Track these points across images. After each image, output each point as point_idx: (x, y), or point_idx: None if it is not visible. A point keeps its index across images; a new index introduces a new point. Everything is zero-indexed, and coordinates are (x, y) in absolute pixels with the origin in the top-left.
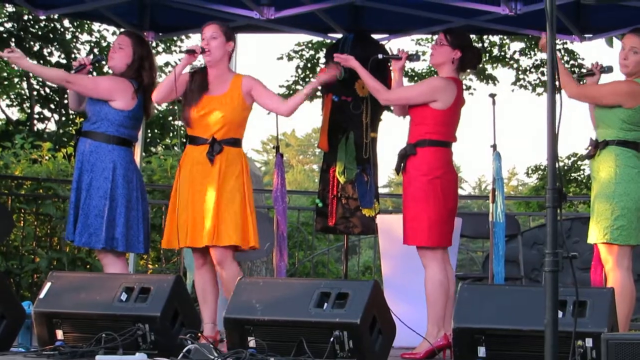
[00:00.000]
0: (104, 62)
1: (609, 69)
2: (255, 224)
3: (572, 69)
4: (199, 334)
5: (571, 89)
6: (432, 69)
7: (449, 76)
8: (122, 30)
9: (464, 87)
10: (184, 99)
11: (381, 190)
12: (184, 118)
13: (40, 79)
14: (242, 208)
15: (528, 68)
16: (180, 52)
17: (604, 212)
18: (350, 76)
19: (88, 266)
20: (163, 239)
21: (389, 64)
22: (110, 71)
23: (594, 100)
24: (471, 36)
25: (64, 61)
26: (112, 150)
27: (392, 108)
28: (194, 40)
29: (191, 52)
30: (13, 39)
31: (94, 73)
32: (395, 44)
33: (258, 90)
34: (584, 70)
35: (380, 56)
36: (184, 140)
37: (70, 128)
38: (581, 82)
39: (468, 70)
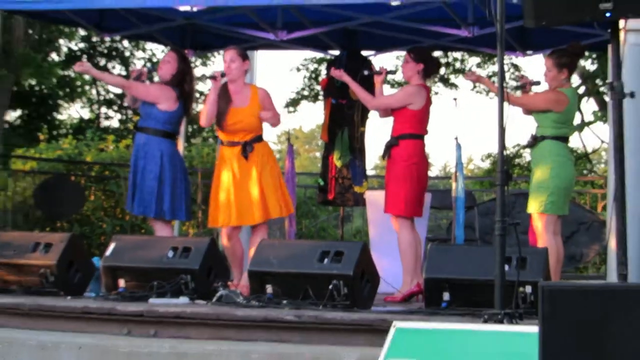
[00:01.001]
0: (154, 72)
1: (537, 83)
2: (289, 195)
3: (517, 79)
4: (229, 283)
5: (512, 100)
6: None
7: (418, 84)
8: (169, 47)
9: (433, 92)
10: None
11: (369, 172)
12: (218, 126)
13: (106, 87)
14: (275, 186)
15: None
16: (207, 77)
17: (540, 190)
18: (345, 84)
19: (143, 230)
20: (209, 220)
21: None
22: (159, 78)
23: (531, 107)
24: (438, 52)
25: (124, 73)
26: (160, 142)
27: (378, 112)
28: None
29: (213, 78)
30: (84, 56)
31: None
32: (379, 60)
33: (265, 104)
34: (518, 84)
35: (365, 72)
36: (216, 134)
37: (129, 125)
38: (516, 92)
39: (432, 76)
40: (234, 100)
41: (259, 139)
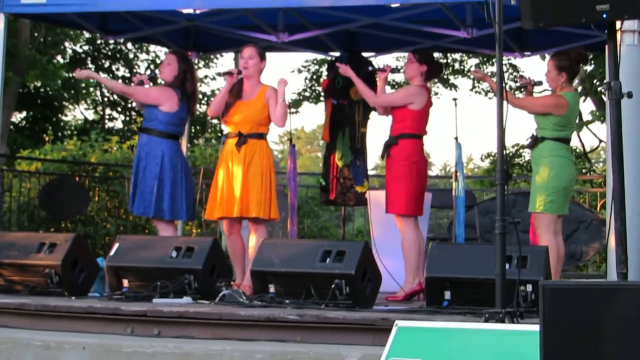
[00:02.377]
0: (157, 76)
1: (539, 83)
2: (275, 201)
3: (515, 79)
4: (232, 283)
5: (513, 101)
6: None
7: (420, 84)
8: (168, 50)
9: (433, 92)
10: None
11: (370, 172)
12: (223, 118)
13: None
14: (263, 187)
15: None
16: (218, 74)
17: (540, 189)
18: (346, 85)
19: (147, 231)
20: (205, 212)
21: (376, 75)
22: (163, 82)
23: (531, 110)
24: (437, 54)
25: (128, 74)
26: (161, 143)
27: (377, 109)
28: (227, 58)
29: (229, 74)
30: (89, 58)
31: (151, 84)
32: (380, 60)
33: (271, 102)
34: (519, 84)
35: (370, 69)
36: (219, 135)
37: (133, 126)
38: (519, 92)
39: (434, 79)
40: (244, 95)
41: (258, 135)
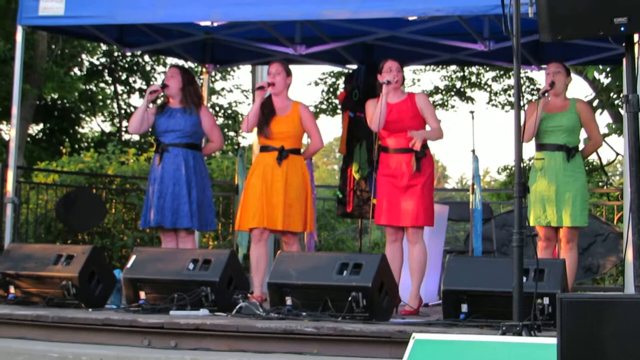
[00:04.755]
0: (168, 86)
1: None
2: (314, 214)
3: (532, 92)
4: (249, 295)
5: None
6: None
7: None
8: (170, 65)
9: (450, 106)
10: (259, 121)
11: None
12: (262, 133)
13: (127, 101)
14: (301, 200)
15: (498, 91)
16: (256, 88)
17: (582, 202)
18: (364, 97)
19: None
20: (236, 223)
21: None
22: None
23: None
24: (454, 66)
25: (144, 86)
26: (202, 157)
27: (373, 125)
28: (244, 70)
29: (261, 88)
30: (106, 71)
31: (162, 92)
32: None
33: (306, 121)
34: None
35: (386, 81)
36: (236, 147)
37: (149, 138)
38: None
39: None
40: (277, 111)
41: (295, 151)
